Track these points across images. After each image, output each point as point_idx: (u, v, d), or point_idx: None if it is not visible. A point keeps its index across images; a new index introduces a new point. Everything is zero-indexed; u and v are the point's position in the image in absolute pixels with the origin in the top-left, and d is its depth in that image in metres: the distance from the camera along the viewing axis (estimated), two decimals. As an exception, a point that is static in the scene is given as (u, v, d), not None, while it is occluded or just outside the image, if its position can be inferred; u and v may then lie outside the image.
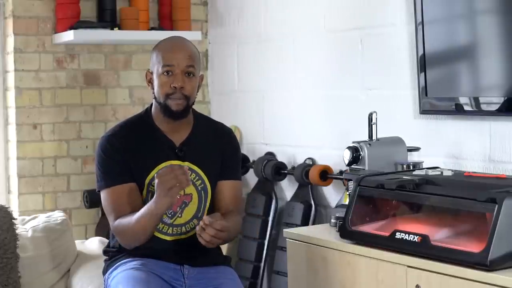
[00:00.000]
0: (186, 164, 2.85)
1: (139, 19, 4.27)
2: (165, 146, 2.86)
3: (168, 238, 2.85)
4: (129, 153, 2.83)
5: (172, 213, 2.84)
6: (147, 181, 2.83)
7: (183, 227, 2.86)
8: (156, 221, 2.74)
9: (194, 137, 2.91)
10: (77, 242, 3.57)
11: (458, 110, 3.11)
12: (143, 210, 2.73)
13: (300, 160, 3.99)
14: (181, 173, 2.67)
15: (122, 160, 2.82)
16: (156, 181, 2.68)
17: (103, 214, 4.12)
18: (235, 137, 3.04)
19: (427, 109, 3.22)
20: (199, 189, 2.88)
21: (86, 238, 4.01)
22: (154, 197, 2.70)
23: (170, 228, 2.84)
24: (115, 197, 2.81)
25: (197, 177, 2.87)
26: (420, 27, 3.17)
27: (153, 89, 2.86)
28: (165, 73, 2.80)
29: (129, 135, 2.88)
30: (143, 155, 2.84)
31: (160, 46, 2.87)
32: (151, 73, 2.87)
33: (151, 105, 2.92)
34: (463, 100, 3.07)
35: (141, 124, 2.91)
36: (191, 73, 2.82)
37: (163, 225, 2.83)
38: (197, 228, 2.69)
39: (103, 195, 2.85)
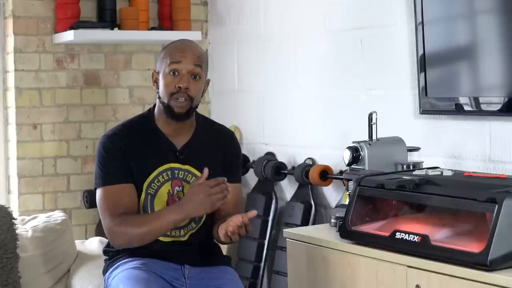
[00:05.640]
0: (187, 167, 2.84)
1: (139, 19, 4.26)
2: (166, 148, 2.85)
3: (165, 239, 2.83)
4: (130, 154, 2.82)
5: None
6: (146, 182, 2.81)
7: (182, 230, 2.84)
8: (176, 224, 2.76)
9: (196, 140, 2.89)
10: (77, 242, 3.57)
11: (458, 110, 3.11)
12: (168, 211, 2.72)
13: (300, 160, 3.99)
14: (225, 187, 2.69)
15: (123, 160, 2.81)
16: (196, 188, 2.67)
17: (103, 214, 4.12)
18: (236, 140, 3.03)
19: (427, 109, 3.22)
20: None
21: (86, 238, 4.01)
22: (187, 202, 2.69)
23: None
24: (112, 196, 2.78)
25: (197, 181, 2.87)
26: (420, 27, 3.17)
27: (157, 88, 2.84)
28: (171, 73, 2.79)
29: (130, 135, 2.86)
30: (144, 156, 2.83)
31: (168, 47, 2.87)
32: (158, 73, 2.85)
33: (154, 106, 2.91)
34: (463, 100, 3.07)
35: (143, 125, 2.89)
36: (198, 75, 2.80)
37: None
38: (231, 227, 2.66)
39: (100, 192, 2.81)
